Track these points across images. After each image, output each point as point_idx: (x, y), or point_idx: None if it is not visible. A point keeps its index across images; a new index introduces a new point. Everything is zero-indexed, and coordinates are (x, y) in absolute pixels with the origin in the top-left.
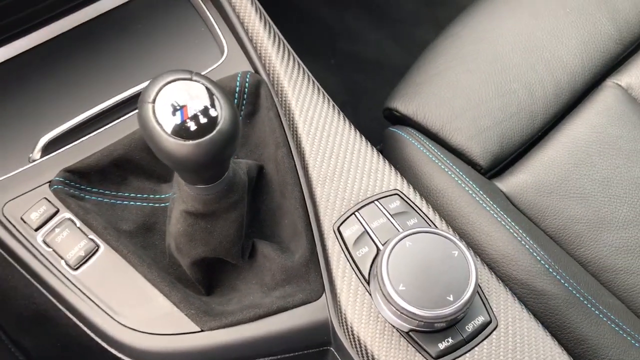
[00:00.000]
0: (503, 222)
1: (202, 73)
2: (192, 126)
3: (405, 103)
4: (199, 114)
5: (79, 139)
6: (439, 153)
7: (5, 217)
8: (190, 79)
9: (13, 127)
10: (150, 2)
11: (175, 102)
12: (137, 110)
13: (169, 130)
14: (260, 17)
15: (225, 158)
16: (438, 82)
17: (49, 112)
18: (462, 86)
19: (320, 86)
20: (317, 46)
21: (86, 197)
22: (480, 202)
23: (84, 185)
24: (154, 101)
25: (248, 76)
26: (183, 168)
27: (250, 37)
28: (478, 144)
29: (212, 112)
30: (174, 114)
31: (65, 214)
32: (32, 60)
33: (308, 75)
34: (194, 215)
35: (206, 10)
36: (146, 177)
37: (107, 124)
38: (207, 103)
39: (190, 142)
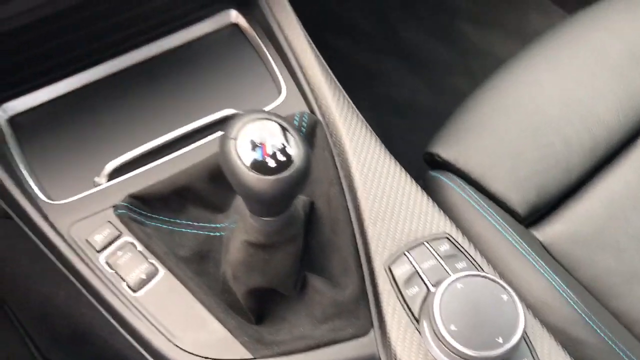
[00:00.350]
0: (541, 270)
1: None
2: (271, 163)
3: (446, 149)
4: (277, 151)
5: (142, 166)
6: (479, 199)
7: (71, 237)
8: (270, 119)
9: (81, 152)
10: (213, 42)
11: (255, 139)
12: (198, 143)
13: (249, 165)
14: (318, 60)
15: (296, 193)
16: (479, 131)
17: (115, 140)
18: (502, 136)
19: (372, 129)
20: (353, 87)
21: (147, 222)
22: (520, 249)
23: (145, 211)
24: (236, 138)
25: (306, 116)
26: (257, 200)
27: (308, 79)
28: (516, 193)
29: (289, 151)
30: (253, 150)
31: (127, 237)
32: (101, 91)
33: (362, 119)
34: (255, 245)
35: (266, 52)
36: (204, 206)
37: (169, 154)
38: (284, 142)
39: (269, 177)
